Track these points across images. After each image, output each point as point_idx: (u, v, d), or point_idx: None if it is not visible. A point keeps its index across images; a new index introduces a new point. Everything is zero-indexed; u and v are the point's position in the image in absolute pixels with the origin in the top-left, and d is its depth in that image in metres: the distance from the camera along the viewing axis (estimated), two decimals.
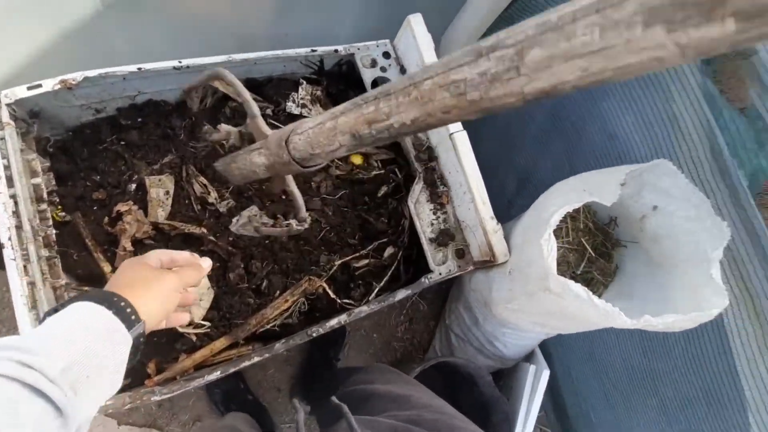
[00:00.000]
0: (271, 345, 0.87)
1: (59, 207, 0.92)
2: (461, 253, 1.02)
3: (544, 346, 1.33)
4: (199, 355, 0.90)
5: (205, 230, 0.95)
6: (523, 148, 1.38)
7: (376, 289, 1.04)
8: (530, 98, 0.34)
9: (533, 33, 0.32)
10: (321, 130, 0.53)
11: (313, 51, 1.04)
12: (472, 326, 1.25)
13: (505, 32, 0.35)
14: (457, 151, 0.96)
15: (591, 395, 1.27)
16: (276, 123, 1.07)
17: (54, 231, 0.88)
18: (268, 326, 0.95)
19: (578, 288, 0.65)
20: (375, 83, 1.08)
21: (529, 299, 0.79)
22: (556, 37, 0.31)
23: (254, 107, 0.70)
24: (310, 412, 1.26)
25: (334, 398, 0.58)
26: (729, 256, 0.76)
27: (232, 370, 0.81)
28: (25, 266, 0.74)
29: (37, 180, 0.88)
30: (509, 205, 1.43)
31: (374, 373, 0.93)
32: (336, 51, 1.06)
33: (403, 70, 1.09)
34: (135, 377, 0.93)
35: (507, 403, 1.14)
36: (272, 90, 1.09)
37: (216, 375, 0.80)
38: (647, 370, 1.04)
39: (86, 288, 0.89)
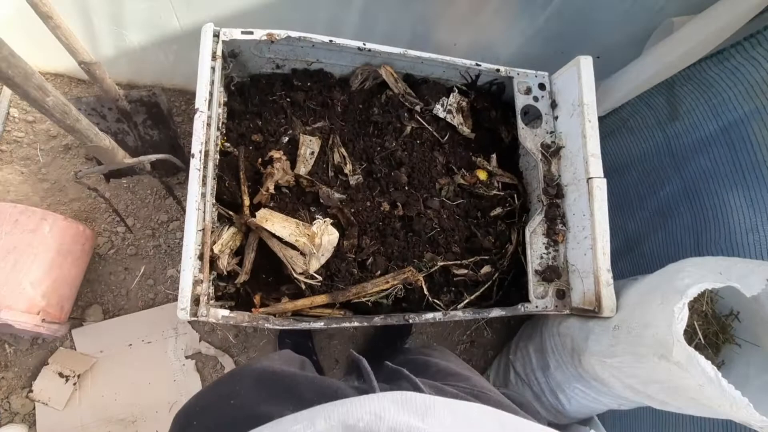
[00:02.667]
0: (371, 316, 0.93)
1: (225, 138, 1.05)
2: (561, 294, 1.02)
3: (601, 415, 1.28)
4: (300, 303, 0.98)
5: (336, 195, 1.04)
6: (641, 213, 1.34)
7: (465, 301, 1.07)
8: None
9: None
10: None
11: (477, 65, 1.10)
12: (537, 370, 1.23)
13: None
14: (592, 197, 0.96)
15: None
16: (421, 121, 1.13)
17: (218, 156, 1.01)
18: (365, 299, 1.01)
19: (707, 364, 0.64)
20: (525, 111, 1.11)
21: (636, 361, 0.78)
22: None
23: None
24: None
25: (389, 363, 0.55)
26: None
27: (334, 325, 0.88)
28: (204, 178, 0.86)
29: (219, 110, 1.01)
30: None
31: (435, 350, 0.93)
32: (497, 70, 1.11)
33: (554, 105, 1.11)
34: (239, 304, 1.03)
35: None
36: (426, 90, 1.16)
37: (320, 324, 0.87)
38: None
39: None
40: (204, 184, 0.86)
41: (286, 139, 1.10)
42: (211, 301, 0.98)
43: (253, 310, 0.96)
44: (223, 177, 1.02)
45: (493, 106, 1.21)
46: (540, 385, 1.23)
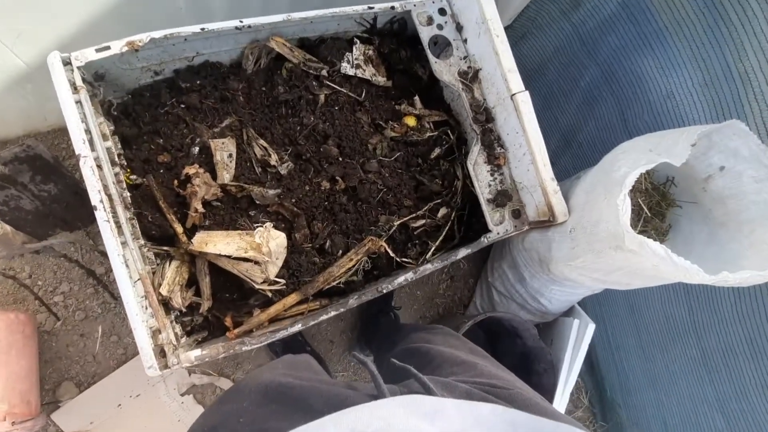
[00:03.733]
0: (345, 300, 0.92)
1: (128, 170, 0.94)
2: (517, 214, 1.04)
3: (581, 301, 1.39)
4: (273, 310, 0.95)
5: (270, 192, 0.98)
6: (569, 107, 1.36)
7: (432, 249, 1.08)
8: None
9: None
10: None
11: (370, 8, 1.01)
12: (516, 283, 1.30)
13: None
14: (519, 113, 0.96)
15: (626, 348, 1.34)
16: (332, 85, 1.06)
17: (128, 193, 0.91)
18: (335, 283, 0.99)
19: (656, 246, 0.68)
20: (435, 42, 1.06)
21: (596, 257, 0.82)
22: None
23: None
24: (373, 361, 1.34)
25: (395, 360, 0.55)
26: None
27: (312, 323, 0.86)
28: (118, 226, 0.77)
29: (108, 143, 0.90)
30: (552, 164, 1.44)
31: (437, 335, 0.93)
32: (392, 8, 1.03)
33: (459, 28, 1.06)
34: (213, 330, 0.99)
35: (551, 353, 1.21)
36: (326, 50, 1.07)
37: (298, 327, 0.86)
38: (690, 323, 1.09)
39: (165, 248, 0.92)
40: (120, 232, 0.77)
41: (197, 149, 1.00)
42: (183, 339, 0.93)
43: (228, 333, 0.93)
44: (142, 213, 0.92)
45: (400, 45, 1.14)
46: (522, 296, 1.31)
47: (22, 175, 1.02)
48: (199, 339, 0.98)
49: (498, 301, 1.41)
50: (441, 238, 1.09)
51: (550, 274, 1.04)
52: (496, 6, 0.99)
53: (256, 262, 0.92)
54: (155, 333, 0.79)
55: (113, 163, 0.89)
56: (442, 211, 1.12)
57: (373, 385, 0.47)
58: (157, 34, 0.85)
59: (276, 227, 1.00)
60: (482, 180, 1.03)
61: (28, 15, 0.93)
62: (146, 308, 0.79)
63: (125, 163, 0.95)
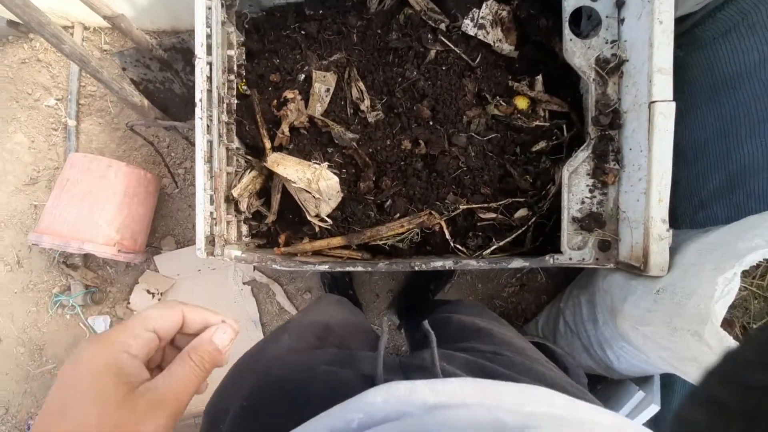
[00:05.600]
0: (375, 261, 0.91)
1: (243, 80, 1.05)
2: (605, 246, 0.86)
3: (667, 374, 1.13)
4: (318, 244, 1.00)
5: (350, 134, 0.99)
6: (756, 141, 1.02)
7: (493, 247, 0.98)
8: None
9: None
10: None
11: None
12: (587, 323, 1.11)
13: None
14: (652, 127, 0.75)
15: None
16: (446, 41, 0.97)
17: (236, 101, 1.02)
18: (380, 242, 0.99)
19: None
20: (589, 15, 0.87)
21: (670, 335, 0.64)
22: None
23: None
24: (399, 326, 1.35)
25: (425, 324, 0.55)
26: None
27: (338, 269, 0.89)
28: (208, 126, 0.88)
29: (231, 52, 1.00)
30: (699, 207, 1.13)
31: (463, 306, 0.92)
32: None
33: (620, 2, 0.85)
34: (271, 241, 1.10)
35: None
36: (454, 3, 0.97)
37: (324, 267, 0.89)
38: None
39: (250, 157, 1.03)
40: (209, 131, 0.88)
41: (303, 76, 1.05)
42: (246, 239, 1.06)
43: (276, 249, 1.02)
44: (242, 122, 1.03)
45: (542, 12, 0.97)
46: (589, 337, 1.12)
47: (177, 63, 1.22)
48: (258, 244, 1.10)
49: (562, 332, 1.23)
50: (508, 240, 0.98)
51: (616, 328, 0.86)
52: None
53: (315, 196, 0.97)
54: (215, 223, 0.91)
55: (230, 71, 1.00)
56: (521, 212, 0.99)
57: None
58: None
59: (346, 171, 1.03)
60: (576, 193, 0.87)
61: None
62: (212, 201, 0.90)
63: (243, 74, 1.05)
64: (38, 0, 0.82)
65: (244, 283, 1.40)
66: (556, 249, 0.93)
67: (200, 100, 0.86)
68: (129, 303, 1.38)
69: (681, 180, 1.14)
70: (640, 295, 0.75)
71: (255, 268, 1.42)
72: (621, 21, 0.85)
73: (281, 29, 1.05)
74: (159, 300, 1.38)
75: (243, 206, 1.00)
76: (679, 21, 0.98)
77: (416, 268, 0.88)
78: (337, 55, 1.03)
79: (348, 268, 0.88)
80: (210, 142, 0.89)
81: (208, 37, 0.87)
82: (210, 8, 0.88)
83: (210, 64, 0.88)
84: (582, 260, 0.86)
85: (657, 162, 0.74)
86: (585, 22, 0.97)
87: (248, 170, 1.04)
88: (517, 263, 0.87)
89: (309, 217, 0.99)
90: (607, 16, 0.86)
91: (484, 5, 0.95)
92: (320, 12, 1.03)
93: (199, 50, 0.86)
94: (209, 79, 0.89)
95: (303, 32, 1.05)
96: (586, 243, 0.86)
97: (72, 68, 1.37)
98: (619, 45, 0.85)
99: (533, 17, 0.97)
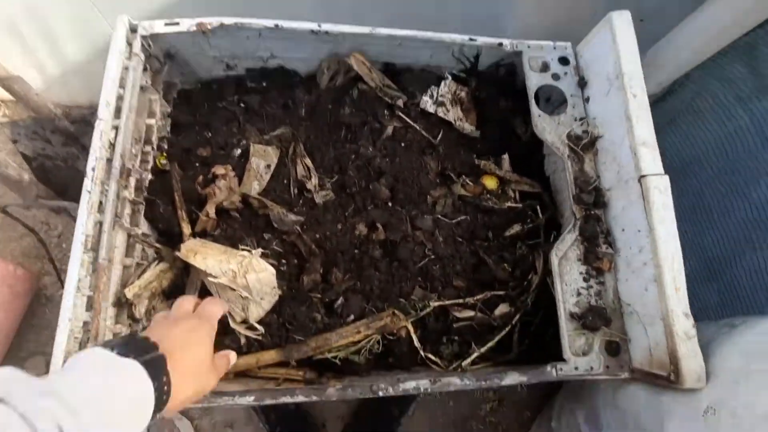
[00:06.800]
0: (323, 385, 0.66)
1: (163, 154, 0.87)
2: (614, 349, 0.69)
3: None
4: (243, 362, 0.73)
5: (291, 217, 0.80)
6: (725, 225, 0.98)
7: (474, 355, 0.77)
8: None
9: None
10: None
11: (471, 40, 0.84)
12: None
13: None
14: (649, 204, 0.65)
15: None
16: (405, 118, 0.89)
17: (150, 176, 0.82)
18: (329, 355, 0.75)
19: None
20: (547, 98, 0.83)
21: None
22: None
23: None
24: None
25: None
26: None
27: (267, 401, 0.62)
28: (100, 203, 0.66)
29: (152, 121, 0.83)
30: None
31: None
32: (500, 45, 0.84)
33: (582, 83, 0.82)
34: None
35: None
36: (410, 80, 0.91)
37: (248, 399, 0.62)
38: None
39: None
40: (100, 209, 0.66)
41: (239, 151, 0.89)
42: None
43: None
44: (155, 201, 0.82)
45: (502, 94, 0.93)
46: None
47: (86, 137, 1.02)
48: None
49: None
50: (490, 345, 0.78)
51: None
52: (639, 62, 0.73)
53: (242, 294, 0.73)
54: (87, 339, 0.63)
55: (147, 142, 0.82)
56: (502, 308, 0.82)
57: None
58: (229, 20, 0.78)
59: (286, 261, 0.82)
60: (569, 283, 0.72)
61: None
62: (89, 305, 0.64)
63: (165, 147, 0.87)
64: None
65: None
66: (550, 353, 0.74)
67: (92, 169, 0.65)
68: None
69: None
70: (682, 418, 0.57)
71: None
72: (586, 99, 0.81)
73: (217, 100, 0.92)
74: None
75: (140, 311, 0.74)
76: None
77: (381, 394, 0.64)
78: (281, 129, 0.90)
79: (283, 399, 0.62)
80: (99, 224, 0.66)
81: (119, 98, 0.71)
82: (127, 69, 0.73)
83: (116, 128, 0.70)
84: (590, 369, 0.67)
85: (663, 242, 0.63)
86: (544, 105, 0.94)
87: (155, 263, 0.80)
88: (512, 379, 0.66)
89: (233, 324, 0.74)
90: (571, 95, 0.82)
91: (442, 83, 0.90)
92: (263, 84, 0.92)
93: (103, 110, 0.68)
94: (112, 146, 0.70)
95: (242, 105, 0.92)
96: (591, 346, 0.69)
97: None
98: (588, 122, 0.80)
99: (492, 97, 0.93)
